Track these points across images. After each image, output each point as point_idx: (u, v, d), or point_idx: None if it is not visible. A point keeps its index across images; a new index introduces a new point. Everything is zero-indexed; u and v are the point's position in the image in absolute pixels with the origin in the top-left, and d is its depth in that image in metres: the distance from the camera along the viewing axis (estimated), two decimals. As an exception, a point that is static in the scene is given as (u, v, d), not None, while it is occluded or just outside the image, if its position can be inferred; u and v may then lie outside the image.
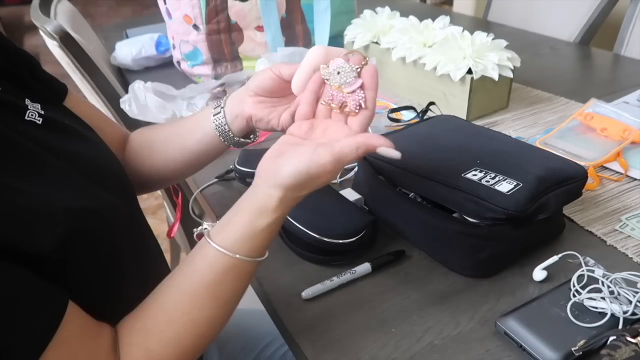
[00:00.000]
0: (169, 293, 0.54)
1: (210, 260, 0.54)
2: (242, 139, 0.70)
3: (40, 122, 0.56)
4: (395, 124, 1.02)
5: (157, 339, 0.52)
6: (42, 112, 0.57)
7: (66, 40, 1.05)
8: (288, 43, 1.27)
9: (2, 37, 0.61)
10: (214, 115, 0.68)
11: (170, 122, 0.85)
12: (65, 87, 0.69)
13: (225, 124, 0.68)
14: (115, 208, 0.56)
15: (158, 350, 0.52)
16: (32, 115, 0.55)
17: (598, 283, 0.60)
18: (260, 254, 0.56)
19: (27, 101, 0.57)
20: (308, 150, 0.53)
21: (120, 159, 0.71)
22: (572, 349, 0.54)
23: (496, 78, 1.01)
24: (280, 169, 0.53)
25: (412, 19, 1.18)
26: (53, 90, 0.67)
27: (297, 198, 0.55)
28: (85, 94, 1.16)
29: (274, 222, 0.54)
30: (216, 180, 0.91)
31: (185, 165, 0.74)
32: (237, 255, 0.53)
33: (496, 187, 0.65)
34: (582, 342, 0.54)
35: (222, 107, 0.68)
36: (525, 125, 1.04)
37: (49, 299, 0.45)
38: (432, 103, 1.01)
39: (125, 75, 1.41)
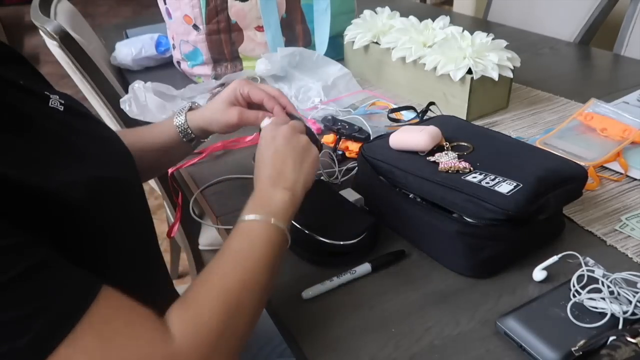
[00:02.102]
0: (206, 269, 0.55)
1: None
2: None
3: (62, 109, 0.62)
4: (395, 124, 1.02)
5: (199, 305, 0.52)
6: (63, 102, 0.63)
7: (66, 40, 1.05)
8: (288, 43, 1.27)
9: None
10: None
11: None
12: None
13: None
14: (129, 181, 0.63)
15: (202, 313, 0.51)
16: (54, 103, 0.62)
17: (598, 283, 0.60)
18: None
19: (46, 93, 0.63)
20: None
21: None
22: (572, 349, 0.54)
23: (496, 78, 1.01)
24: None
25: (412, 19, 1.18)
26: None
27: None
28: (85, 94, 1.16)
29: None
30: (216, 180, 0.91)
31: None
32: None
33: (496, 188, 0.65)
34: (582, 342, 0.54)
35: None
36: (525, 125, 1.04)
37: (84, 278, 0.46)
38: (432, 103, 1.01)
39: (125, 75, 1.41)
